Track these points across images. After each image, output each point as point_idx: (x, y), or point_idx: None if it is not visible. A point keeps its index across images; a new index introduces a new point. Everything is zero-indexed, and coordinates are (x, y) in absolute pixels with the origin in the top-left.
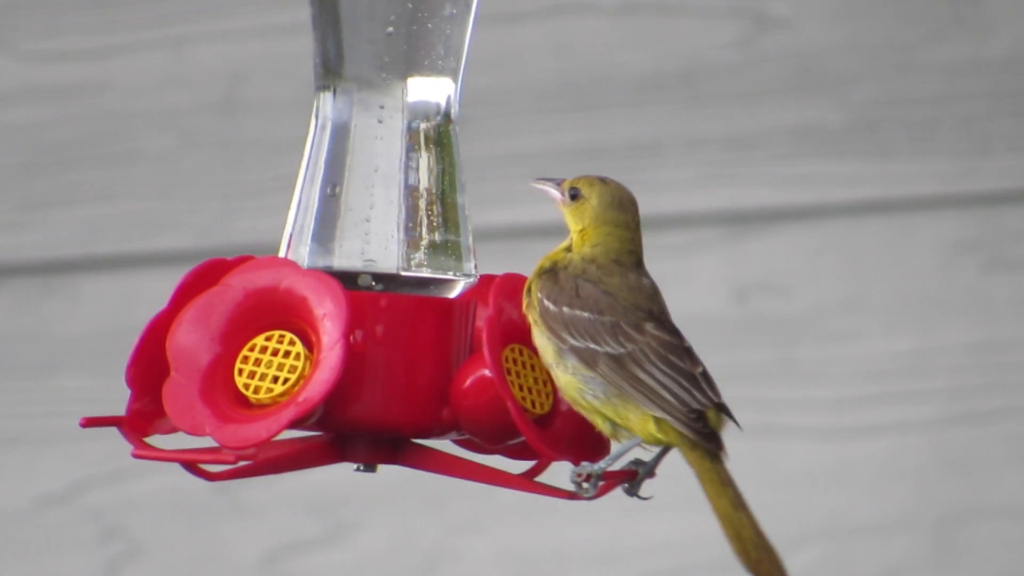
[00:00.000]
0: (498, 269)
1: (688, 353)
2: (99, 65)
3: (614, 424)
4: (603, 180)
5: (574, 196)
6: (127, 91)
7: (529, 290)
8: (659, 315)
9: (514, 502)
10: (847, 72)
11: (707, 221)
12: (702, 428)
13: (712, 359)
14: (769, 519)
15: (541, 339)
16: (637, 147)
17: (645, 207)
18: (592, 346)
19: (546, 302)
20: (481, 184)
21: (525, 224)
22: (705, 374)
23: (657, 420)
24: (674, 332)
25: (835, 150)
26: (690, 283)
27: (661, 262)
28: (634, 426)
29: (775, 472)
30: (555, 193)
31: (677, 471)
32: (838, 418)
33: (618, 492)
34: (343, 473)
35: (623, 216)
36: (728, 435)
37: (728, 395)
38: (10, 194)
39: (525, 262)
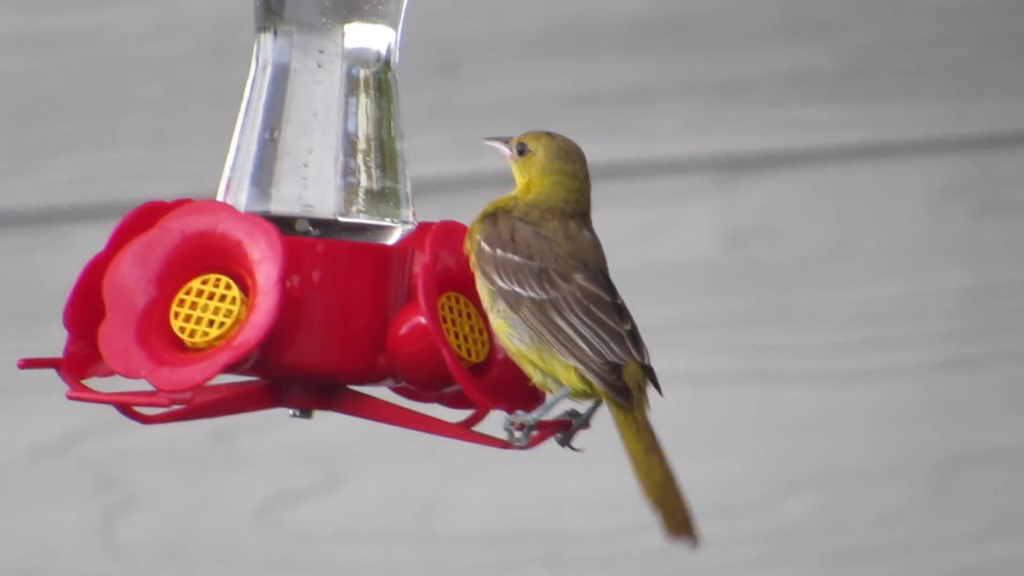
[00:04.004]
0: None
1: (617, 310)
2: (91, 14)
3: (543, 372)
4: (550, 134)
5: (521, 151)
6: (119, 40)
7: (471, 233)
8: (594, 268)
9: (507, 450)
10: (838, 16)
11: (699, 167)
12: (615, 381)
13: (704, 305)
14: (762, 465)
15: (479, 282)
16: (628, 93)
17: (637, 153)
18: (517, 290)
19: (483, 243)
20: (471, 131)
21: None
22: (633, 333)
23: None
24: (606, 287)
25: (826, 95)
26: (682, 229)
27: (653, 208)
28: (560, 375)
29: (768, 418)
30: (504, 150)
31: (670, 419)
32: (831, 363)
33: (611, 439)
34: (338, 422)
35: (569, 166)
36: (722, 379)
37: (721, 340)
38: (2, 144)
39: None
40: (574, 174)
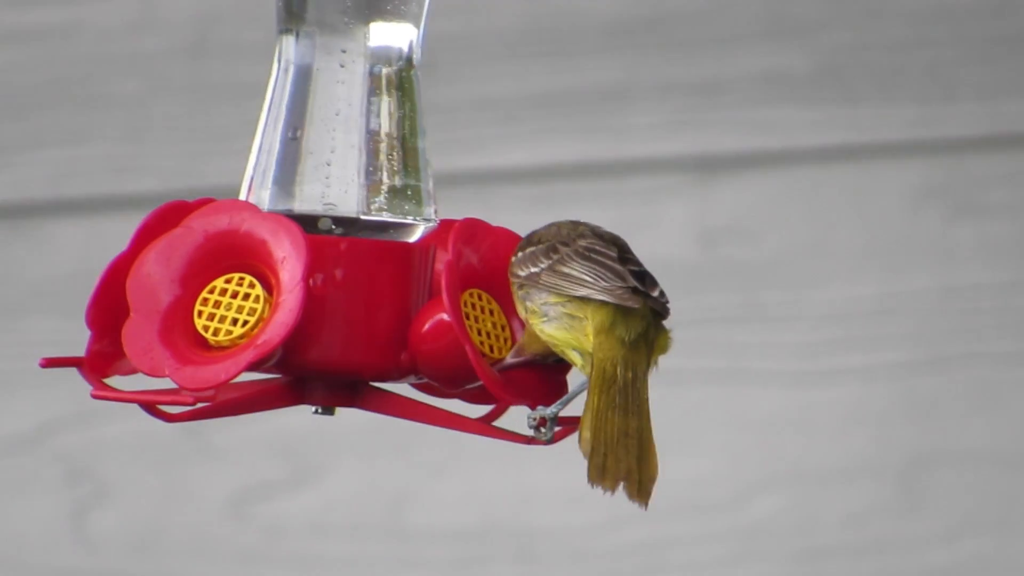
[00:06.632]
0: (466, 214)
1: (621, 262)
2: (69, 9)
3: (580, 352)
4: None
5: None
6: (97, 35)
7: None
8: (607, 238)
9: (480, 446)
10: (815, 18)
11: (674, 166)
12: (623, 289)
13: (678, 303)
14: (733, 463)
15: (512, 289)
16: (605, 93)
17: (613, 152)
18: (532, 270)
19: (513, 257)
20: (449, 130)
21: (493, 169)
22: (642, 275)
23: (594, 330)
24: (613, 249)
25: (802, 96)
26: (657, 228)
27: (628, 207)
28: (590, 347)
29: (740, 416)
30: None
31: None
32: (804, 363)
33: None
34: (309, 416)
35: None
36: (695, 378)
37: (694, 339)
38: None
39: (493, 207)
40: None
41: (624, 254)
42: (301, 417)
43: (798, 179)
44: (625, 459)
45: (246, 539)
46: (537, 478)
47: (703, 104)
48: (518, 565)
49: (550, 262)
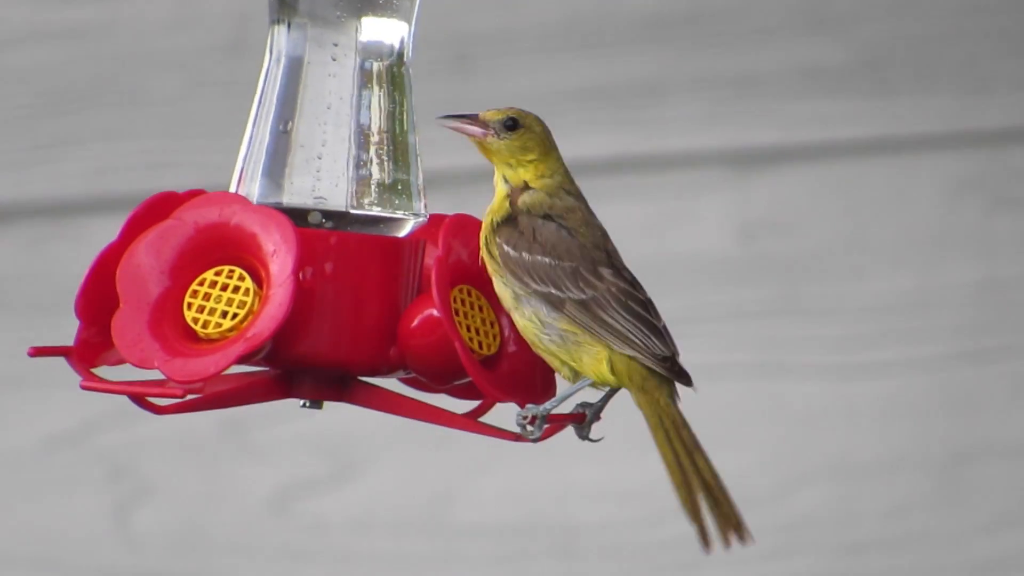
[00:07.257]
0: None
1: (649, 306)
2: (108, 7)
3: (571, 368)
4: (522, 109)
5: (512, 127)
6: (135, 33)
7: (487, 240)
8: (612, 256)
9: (520, 443)
10: (851, 11)
11: (712, 160)
12: (671, 366)
13: (717, 297)
14: (775, 457)
15: (500, 284)
16: (642, 86)
17: (650, 146)
18: (554, 291)
19: (506, 247)
20: None
21: None
22: (666, 328)
23: (610, 362)
24: (631, 281)
25: (840, 89)
26: (695, 222)
27: (666, 201)
28: (587, 369)
29: (780, 411)
30: (475, 130)
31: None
32: (843, 356)
33: (624, 432)
34: (351, 414)
35: (554, 142)
36: (734, 372)
37: (733, 333)
38: (18, 135)
39: None
40: (558, 152)
41: (643, 294)
42: (342, 414)
43: (836, 172)
44: (729, 506)
45: (288, 537)
46: (578, 473)
47: (740, 97)
48: (560, 561)
49: (582, 296)
